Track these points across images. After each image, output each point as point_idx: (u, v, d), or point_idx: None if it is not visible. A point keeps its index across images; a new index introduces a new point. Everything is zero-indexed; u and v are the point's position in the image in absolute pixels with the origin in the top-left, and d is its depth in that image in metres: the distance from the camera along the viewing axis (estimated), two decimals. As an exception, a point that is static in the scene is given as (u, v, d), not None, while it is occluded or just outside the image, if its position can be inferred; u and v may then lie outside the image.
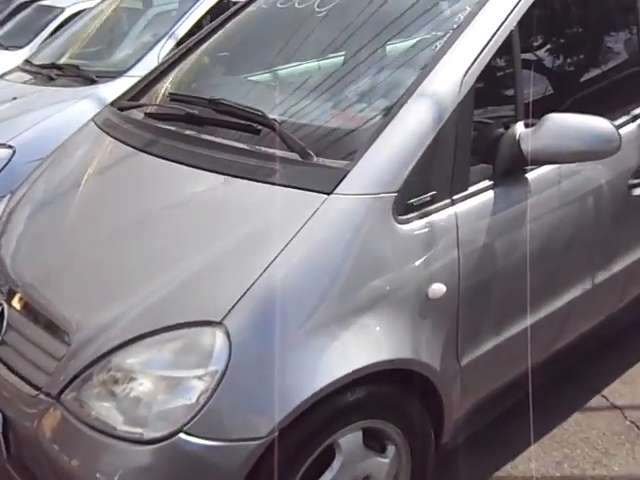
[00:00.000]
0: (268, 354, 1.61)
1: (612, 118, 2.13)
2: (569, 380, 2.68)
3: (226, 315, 1.58)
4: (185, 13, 4.10)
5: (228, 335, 1.57)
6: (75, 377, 1.65)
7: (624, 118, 2.35)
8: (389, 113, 1.86)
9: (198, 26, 4.10)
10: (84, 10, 5.46)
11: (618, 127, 2.12)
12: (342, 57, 2.34)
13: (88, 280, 1.84)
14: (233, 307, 1.59)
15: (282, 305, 1.63)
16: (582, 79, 2.43)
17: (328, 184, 1.75)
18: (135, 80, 2.88)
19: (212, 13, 4.12)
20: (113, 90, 3.45)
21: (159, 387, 1.59)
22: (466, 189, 1.91)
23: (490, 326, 2.06)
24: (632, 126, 2.37)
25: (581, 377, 2.73)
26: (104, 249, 1.90)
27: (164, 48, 3.99)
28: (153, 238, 1.87)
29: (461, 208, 1.88)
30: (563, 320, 2.31)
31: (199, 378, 1.57)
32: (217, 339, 1.57)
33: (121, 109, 2.56)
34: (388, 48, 2.22)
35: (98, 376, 1.64)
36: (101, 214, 2.05)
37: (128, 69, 3.95)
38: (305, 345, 1.64)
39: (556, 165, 2.08)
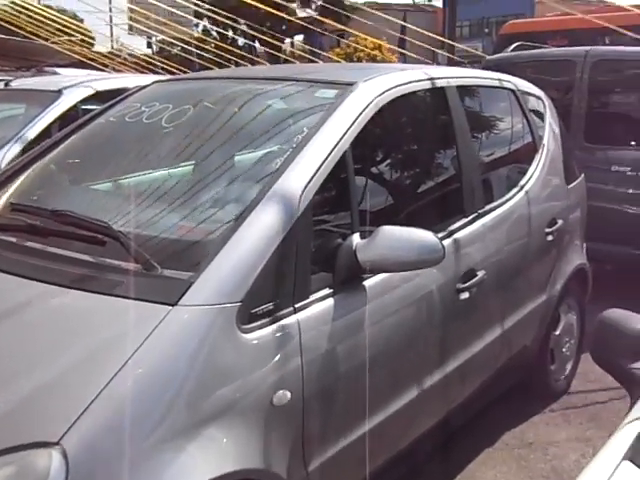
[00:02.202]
0: (110, 473, 1.56)
1: (438, 229, 2.35)
2: (414, 478, 2.76)
3: (63, 435, 1.52)
4: (33, 119, 4.05)
5: (65, 456, 1.51)
6: None
7: (449, 229, 2.59)
8: (233, 225, 1.95)
9: (46, 132, 4.06)
10: None
11: (445, 237, 2.34)
12: (188, 170, 2.42)
13: None
14: (71, 426, 1.54)
15: (125, 421, 1.60)
16: (410, 194, 2.66)
17: (172, 295, 1.78)
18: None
19: (61, 121, 4.10)
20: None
21: (-13, 518, 1.48)
22: (308, 297, 2.00)
23: (335, 430, 2.11)
24: (458, 235, 2.61)
25: (426, 475, 2.82)
26: None
27: (9, 153, 3.89)
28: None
29: (303, 315, 1.96)
30: (404, 420, 2.41)
31: (33, 505, 1.48)
32: (53, 461, 1.50)
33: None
34: (232, 164, 2.34)
35: None
36: None
37: (-33, 175, 3.80)
38: (150, 461, 1.61)
39: (391, 273, 2.23)
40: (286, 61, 17.83)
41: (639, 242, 4.72)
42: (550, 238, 3.25)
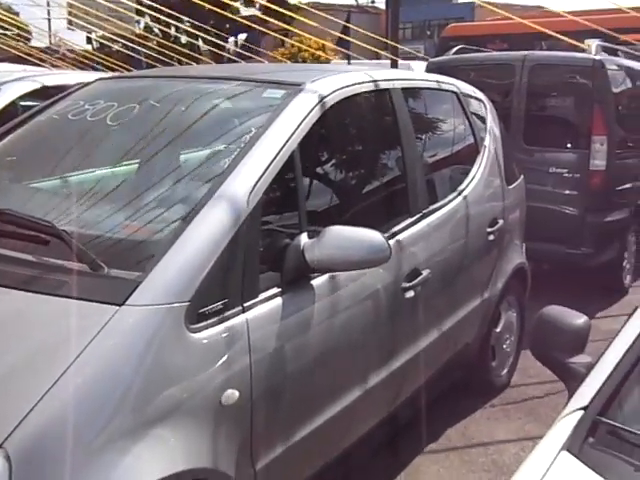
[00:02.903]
0: (54, 475, 1.53)
1: (384, 229, 2.39)
2: (360, 474, 2.79)
3: (6, 438, 1.50)
4: (-32, 116, 3.92)
5: (8, 459, 1.48)
6: None
7: (394, 229, 2.63)
8: (181, 225, 1.94)
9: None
10: None
11: (390, 237, 2.37)
12: (134, 168, 2.40)
13: None
14: (14, 429, 1.51)
15: (70, 423, 1.58)
16: (356, 194, 2.70)
17: (119, 295, 1.76)
18: None
19: (0, 117, 3.98)
20: None
21: None
22: (256, 296, 2.01)
23: (282, 429, 2.13)
24: (404, 235, 2.66)
25: (371, 471, 2.86)
26: None
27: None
28: None
29: (252, 315, 1.97)
30: (350, 418, 2.44)
31: (-26, 510, 1.45)
32: (-4, 464, 1.48)
33: None
34: (180, 161, 2.33)
35: None
36: None
37: None
38: (96, 462, 1.59)
39: (339, 272, 2.26)
40: (230, 60, 17.71)
41: (574, 242, 4.89)
42: (491, 238, 3.34)
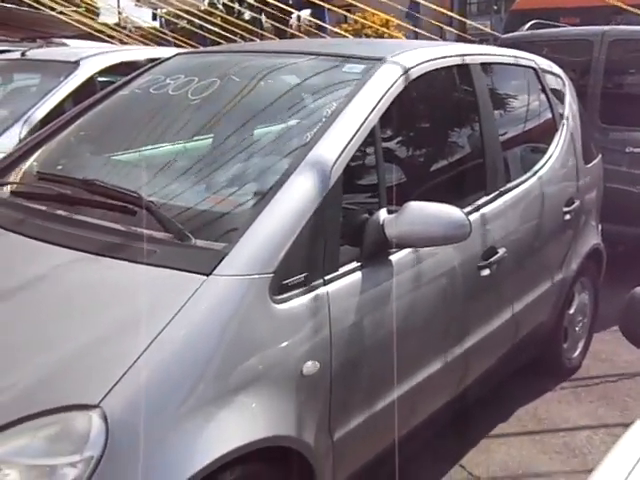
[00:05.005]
0: (146, 437, 1.59)
1: (461, 206, 2.37)
2: (430, 451, 2.81)
3: (103, 398, 1.56)
4: (50, 91, 4.04)
5: (105, 419, 1.54)
6: None
7: (472, 206, 2.61)
8: (265, 197, 1.96)
9: (63, 103, 4.06)
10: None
11: (468, 214, 2.35)
12: (216, 141, 2.43)
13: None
14: (111, 389, 1.57)
15: (160, 387, 1.64)
16: (435, 170, 2.68)
17: (207, 265, 1.80)
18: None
19: (78, 93, 4.10)
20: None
21: (29, 477, 1.52)
22: (337, 270, 2.02)
23: (359, 401, 2.15)
24: (481, 212, 2.63)
25: (441, 448, 2.87)
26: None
27: (26, 125, 3.90)
28: (22, 321, 1.80)
29: (332, 288, 1.99)
30: (423, 394, 2.45)
31: (73, 465, 1.52)
32: (93, 423, 1.54)
33: (-16, 186, 2.48)
34: (262, 136, 2.35)
35: None
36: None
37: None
38: (183, 427, 1.64)
39: (416, 248, 2.26)
40: (293, 36, 17.67)
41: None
42: (567, 217, 3.27)
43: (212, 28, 14.17)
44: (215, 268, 1.79)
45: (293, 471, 1.91)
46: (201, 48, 5.39)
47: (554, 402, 3.38)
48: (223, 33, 13.75)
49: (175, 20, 19.03)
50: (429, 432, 2.65)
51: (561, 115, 3.43)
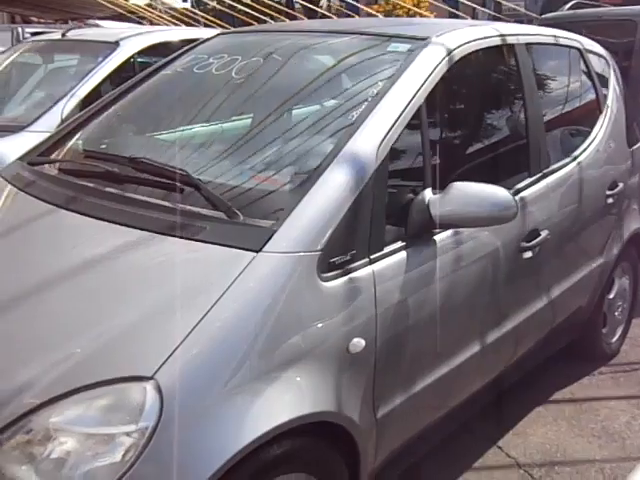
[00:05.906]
0: (198, 411, 1.62)
1: (505, 187, 2.35)
2: (467, 432, 2.82)
3: (157, 370, 1.59)
4: (90, 71, 4.09)
5: (160, 390, 1.58)
6: None
7: (517, 187, 2.59)
8: (312, 176, 1.97)
9: (103, 83, 4.11)
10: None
11: (513, 195, 2.33)
12: (263, 120, 2.44)
13: (3, 339, 1.78)
14: (164, 362, 1.60)
15: (211, 361, 1.66)
16: (479, 150, 2.66)
17: (256, 242, 1.82)
18: (37, 136, 2.85)
19: (118, 73, 4.14)
20: (13, 145, 3.38)
21: (86, 445, 1.56)
22: (382, 249, 2.03)
23: (401, 380, 2.16)
24: (524, 194, 2.62)
25: (478, 429, 2.88)
26: (23, 308, 1.85)
27: (68, 105, 3.95)
28: (77, 295, 1.84)
29: (378, 267, 2.00)
30: (464, 375, 2.45)
31: (128, 435, 1.56)
32: (148, 395, 1.57)
33: (32, 164, 2.53)
34: (308, 115, 2.35)
35: (16, 438, 1.58)
36: (18, 271, 2.00)
37: (30, 124, 3.88)
38: (231, 402, 1.67)
39: (460, 229, 2.25)
40: (323, 16, 17.58)
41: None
42: (610, 201, 3.23)
43: (243, 8, 14.13)
44: (265, 245, 1.81)
45: (338, 447, 1.94)
46: (231, 29, 5.40)
47: (592, 387, 3.36)
48: (253, 13, 13.71)
49: (206, 0, 19.03)
50: (467, 413, 2.66)
51: (605, 97, 3.38)
